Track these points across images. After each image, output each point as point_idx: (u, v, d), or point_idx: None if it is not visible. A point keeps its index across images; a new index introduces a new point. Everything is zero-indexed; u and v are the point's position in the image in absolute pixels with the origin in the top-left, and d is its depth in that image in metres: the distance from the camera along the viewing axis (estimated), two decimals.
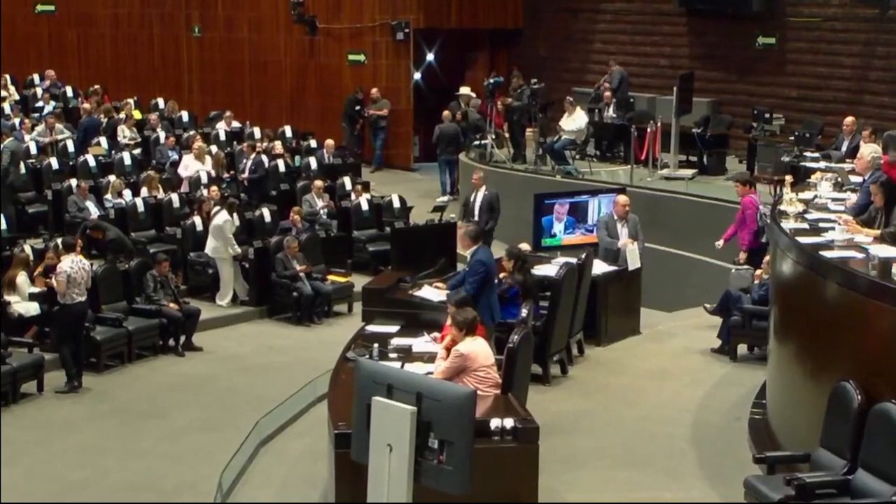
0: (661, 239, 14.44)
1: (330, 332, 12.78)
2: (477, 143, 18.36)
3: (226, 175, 16.77)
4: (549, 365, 9.89)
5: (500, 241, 14.33)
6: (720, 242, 11.98)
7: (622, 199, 11.61)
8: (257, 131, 19.29)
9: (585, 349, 10.76)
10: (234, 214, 13.74)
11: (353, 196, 15.99)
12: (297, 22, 21.59)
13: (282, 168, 17.04)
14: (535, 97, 17.36)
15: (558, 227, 12.28)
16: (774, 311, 8.43)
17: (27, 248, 12.67)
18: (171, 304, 12.04)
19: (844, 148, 13.91)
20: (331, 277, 13.74)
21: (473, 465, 4.50)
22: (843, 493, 6.29)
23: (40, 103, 20.09)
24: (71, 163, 16.64)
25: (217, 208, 13.77)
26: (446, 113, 18.76)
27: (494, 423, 6.63)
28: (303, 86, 22.20)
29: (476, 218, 13.39)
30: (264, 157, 16.69)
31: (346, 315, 13.51)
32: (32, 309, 11.48)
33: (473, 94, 18.88)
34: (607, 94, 18.27)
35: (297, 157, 18.23)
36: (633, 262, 11.36)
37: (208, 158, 16.68)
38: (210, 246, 13.39)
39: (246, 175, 16.63)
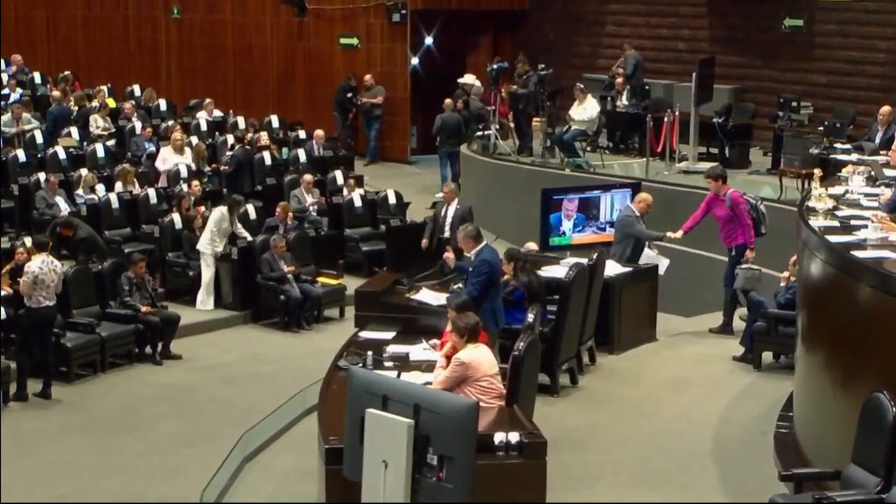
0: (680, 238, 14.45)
1: (320, 338, 12.79)
2: (479, 133, 18.37)
3: (207, 168, 16.78)
4: (558, 374, 9.90)
5: (505, 240, 14.35)
6: (677, 234, 11.80)
7: (644, 195, 11.64)
8: (241, 121, 19.31)
9: (597, 357, 10.77)
10: (233, 214, 13.80)
11: (345, 191, 16.00)
12: (285, 2, 21.62)
13: (268, 161, 17.06)
14: (542, 84, 17.37)
15: (567, 225, 12.30)
16: (802, 316, 8.43)
17: None
18: (148, 309, 12.04)
19: (878, 139, 13.92)
20: (321, 279, 13.75)
21: (475, 482, 4.50)
22: None
23: (6, 91, 20.09)
24: (39, 155, 16.66)
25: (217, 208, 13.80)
26: (448, 101, 18.79)
27: (498, 437, 6.64)
28: (290, 72, 22.21)
29: (447, 234, 13.27)
30: (240, 150, 16.64)
31: (337, 320, 13.52)
32: None
33: (477, 82, 18.88)
34: (620, 80, 18.28)
35: (285, 149, 18.24)
36: (663, 266, 11.41)
37: (188, 151, 16.69)
38: (205, 240, 13.47)
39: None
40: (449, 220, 13.43)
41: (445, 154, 18.78)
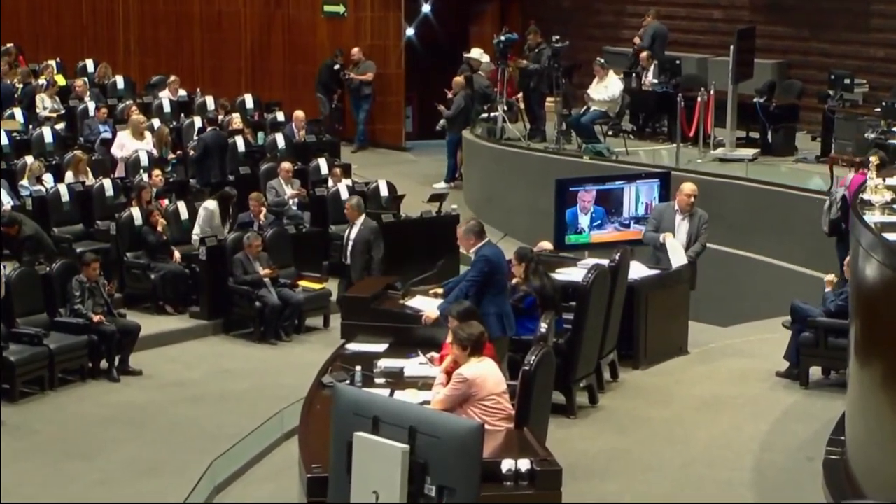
0: (714, 236, 14.39)
1: (301, 351, 12.80)
2: (484, 116, 18.39)
3: (171, 156, 16.80)
4: (575, 392, 9.91)
5: (514, 239, 14.37)
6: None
7: (689, 187, 11.66)
8: (210, 101, 19.34)
9: (620, 373, 10.79)
10: (226, 210, 13.93)
11: (330, 182, 16.02)
12: None
13: (241, 147, 17.07)
14: (556, 58, 17.39)
15: (585, 221, 12.32)
16: (856, 326, 8.45)
17: None
18: (102, 318, 12.06)
19: None
20: (302, 283, 13.76)
21: None
22: None
23: None
24: None
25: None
26: (459, 80, 18.78)
27: (506, 464, 6.65)
28: (267, 44, 22.24)
29: (349, 261, 13.16)
30: (211, 133, 16.64)
31: (321, 330, 13.55)
32: None
33: (486, 58, 18.88)
34: (645, 54, 18.32)
35: (260, 134, 18.26)
36: (677, 259, 11.38)
37: (149, 135, 16.70)
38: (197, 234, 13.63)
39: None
40: (351, 243, 13.24)
41: (455, 141, 18.79)
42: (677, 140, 16.30)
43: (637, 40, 18.60)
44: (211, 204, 14.01)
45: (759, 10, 18.98)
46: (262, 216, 14.44)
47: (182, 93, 19.76)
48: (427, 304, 9.41)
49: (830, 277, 10.81)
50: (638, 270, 11.14)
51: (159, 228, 13.86)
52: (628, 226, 12.42)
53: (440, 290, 9.69)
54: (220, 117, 18.14)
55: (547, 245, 11.88)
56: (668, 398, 10.38)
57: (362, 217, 13.26)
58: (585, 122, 17.04)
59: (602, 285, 10.05)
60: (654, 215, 11.83)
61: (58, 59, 20.94)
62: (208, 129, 16.83)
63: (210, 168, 16.45)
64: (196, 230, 14.01)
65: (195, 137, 17.04)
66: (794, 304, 10.84)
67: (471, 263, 9.40)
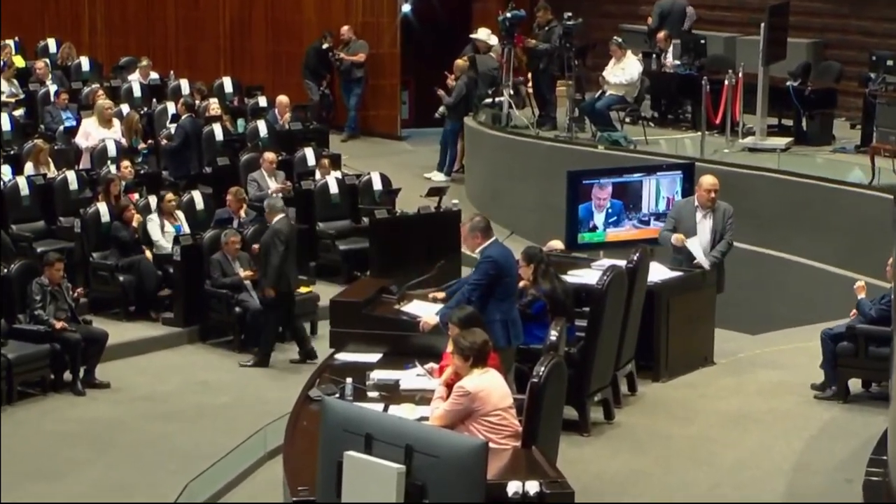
0: (744, 234, 14.40)
1: (286, 362, 12.81)
2: (489, 101, 18.39)
3: (142, 145, 16.80)
4: (589, 407, 9.92)
5: (522, 237, 14.37)
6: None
7: (708, 180, 11.64)
8: (185, 85, 19.34)
9: (638, 386, 10.79)
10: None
11: (317, 174, 16.03)
12: None
13: (219, 135, 17.07)
14: (568, 37, 17.37)
15: (599, 217, 12.32)
16: None
17: None
18: (64, 325, 12.05)
19: None
20: None
21: None
22: None
23: None
24: None
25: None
26: (460, 62, 18.74)
27: (513, 486, 6.65)
28: (248, 22, 22.24)
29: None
30: (188, 119, 16.65)
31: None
32: None
33: (495, 39, 18.86)
34: (660, 34, 18.32)
35: (241, 121, 18.26)
36: (702, 259, 11.39)
37: (117, 123, 16.70)
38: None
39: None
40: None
41: (456, 130, 18.77)
42: (702, 128, 16.32)
43: (649, 20, 18.59)
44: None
45: None
46: (242, 212, 14.45)
47: (154, 76, 19.75)
48: (425, 310, 9.42)
49: (861, 283, 10.82)
50: (658, 272, 11.15)
51: (134, 224, 13.85)
52: (648, 223, 12.41)
53: (440, 295, 9.69)
54: (196, 103, 18.13)
55: (558, 244, 11.90)
56: (691, 414, 10.38)
57: (278, 216, 13.10)
58: (600, 108, 17.04)
59: (619, 289, 10.05)
60: (673, 213, 11.83)
61: (16, 39, 20.91)
62: (184, 115, 16.83)
63: (189, 159, 16.45)
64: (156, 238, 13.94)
65: (168, 125, 17.04)
66: (823, 335, 10.74)
67: (475, 265, 9.38)
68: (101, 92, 17.79)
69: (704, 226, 11.57)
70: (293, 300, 13.05)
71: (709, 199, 11.53)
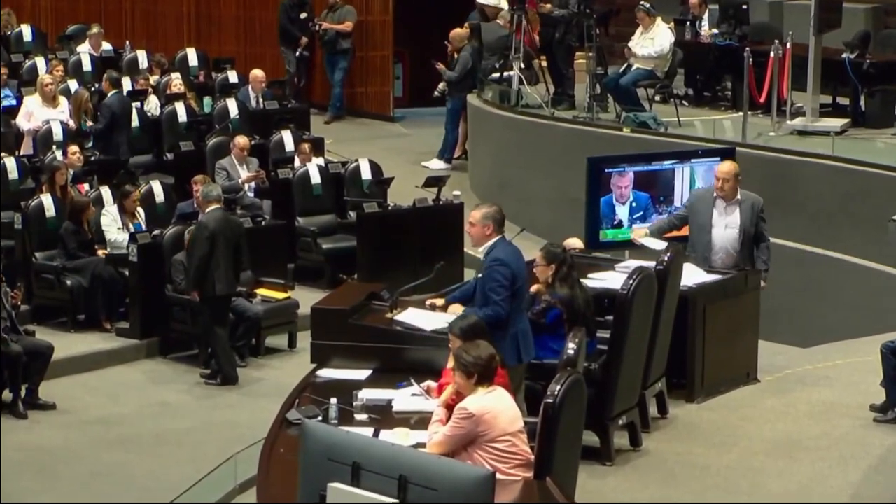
0: (791, 230, 14.47)
1: (260, 379, 12.84)
2: (496, 76, 18.39)
3: (91, 125, 16.80)
4: (613, 432, 9.92)
5: (534, 235, 14.37)
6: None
7: (722, 167, 11.59)
8: (143, 57, 19.32)
9: (670, 407, 10.80)
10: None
11: (296, 161, 16.04)
12: None
13: (182, 116, 17.10)
14: (589, 2, 17.40)
15: (623, 212, 12.31)
16: None
17: None
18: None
19: None
20: (261, 292, 13.79)
21: None
22: None
23: None
24: None
25: None
26: (460, 31, 18.73)
27: None
28: None
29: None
30: (115, 97, 16.60)
31: (285, 352, 13.60)
32: None
33: (505, 4, 18.87)
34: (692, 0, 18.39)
35: (207, 100, 18.27)
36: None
37: (64, 101, 16.72)
38: None
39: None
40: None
41: (458, 109, 18.76)
42: (744, 108, 16.30)
43: None
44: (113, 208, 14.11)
45: None
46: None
47: (107, 47, 19.76)
48: (422, 319, 9.42)
49: None
50: (693, 275, 11.14)
51: (86, 225, 13.84)
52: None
53: (440, 302, 9.68)
54: (155, 78, 18.15)
55: (576, 243, 11.88)
56: (731, 440, 10.38)
57: (210, 208, 13.07)
58: (626, 85, 17.05)
59: (647, 294, 10.06)
60: (688, 202, 11.75)
61: None
62: (111, 93, 16.78)
63: (117, 145, 16.41)
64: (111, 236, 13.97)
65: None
66: (885, 348, 10.74)
67: (481, 268, 9.34)
68: (60, 67, 17.75)
69: (726, 221, 11.48)
70: (224, 307, 12.95)
71: (720, 188, 11.45)
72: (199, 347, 13.24)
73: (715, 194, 11.52)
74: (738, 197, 11.50)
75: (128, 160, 16.18)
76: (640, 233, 11.64)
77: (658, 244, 11.35)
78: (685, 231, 11.81)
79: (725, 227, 11.50)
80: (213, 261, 12.69)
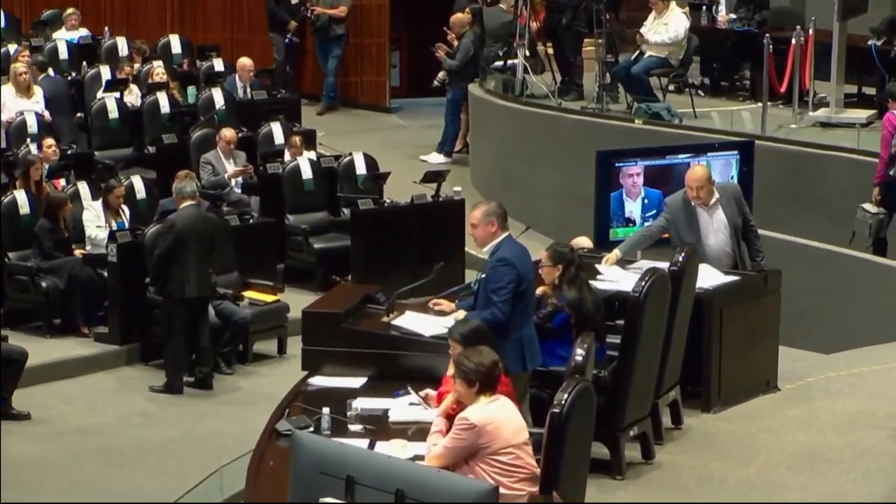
0: (813, 228, 14.46)
1: (248, 387, 12.85)
2: (499, 64, 18.38)
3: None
4: (623, 444, 9.92)
5: (539, 234, 14.38)
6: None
7: (692, 174, 11.34)
8: (122, 44, 19.32)
9: (685, 417, 10.79)
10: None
11: (286, 155, 16.04)
12: None
13: (165, 107, 17.10)
14: None
15: (635, 209, 12.31)
16: None
17: None
18: None
19: None
20: (249, 295, 13.80)
21: None
22: None
23: None
24: None
25: None
26: (461, 16, 18.73)
27: None
28: None
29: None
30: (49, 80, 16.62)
31: (274, 358, 13.62)
32: None
33: None
34: None
35: (191, 89, 18.26)
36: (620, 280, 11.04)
37: (39, 91, 16.72)
38: None
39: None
40: None
41: (459, 100, 18.75)
42: (763, 98, 16.29)
43: None
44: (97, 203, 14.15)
45: None
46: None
47: (84, 32, 19.75)
48: (421, 324, 9.42)
49: None
50: (709, 276, 11.12)
51: (62, 223, 13.84)
52: None
53: (447, 304, 9.64)
54: (135, 66, 18.13)
55: (585, 242, 11.87)
56: (750, 452, 10.35)
57: (184, 204, 13.10)
58: (638, 73, 17.04)
59: (660, 297, 10.04)
60: (668, 211, 11.53)
61: None
62: (41, 76, 16.78)
63: (60, 131, 16.40)
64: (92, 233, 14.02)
65: (100, 95, 17.00)
66: None
67: (485, 268, 9.34)
68: (21, 52, 17.77)
69: (713, 226, 11.39)
70: (195, 310, 12.93)
71: (694, 196, 11.34)
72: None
73: (693, 203, 11.42)
74: (716, 196, 11.42)
75: (72, 150, 16.14)
76: (612, 258, 11.24)
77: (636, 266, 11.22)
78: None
79: (715, 233, 11.44)
80: (181, 261, 12.68)
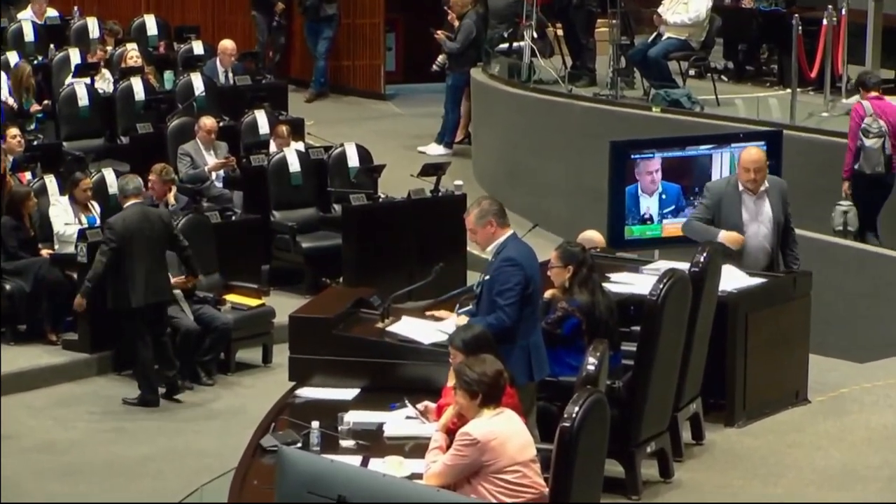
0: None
1: (231, 399, 12.86)
2: (504, 47, 18.38)
3: (35, 107, 16.85)
4: (640, 461, 9.90)
5: (547, 232, 14.36)
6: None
7: (748, 155, 11.41)
8: (93, 25, 19.32)
9: (706, 432, 10.77)
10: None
11: (272, 146, 16.06)
12: None
13: (139, 93, 17.10)
14: None
15: (652, 204, 12.28)
16: None
17: None
18: None
19: None
20: (231, 298, 13.80)
21: None
22: None
23: None
24: None
25: None
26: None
27: None
28: None
29: None
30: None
31: (259, 368, 13.63)
32: None
33: None
34: None
35: (168, 74, 18.28)
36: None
37: (3, 77, 16.71)
38: None
39: None
40: None
41: (460, 86, 18.75)
42: (792, 84, 16.31)
43: None
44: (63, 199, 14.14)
45: None
46: (170, 197, 14.44)
47: (52, 13, 19.76)
48: (419, 331, 9.39)
49: None
50: (733, 278, 11.11)
51: (27, 220, 13.82)
52: None
53: (446, 315, 9.60)
54: (107, 49, 18.12)
55: (595, 237, 11.81)
56: (777, 469, 10.35)
57: (129, 203, 13.03)
58: (655, 57, 17.05)
59: (680, 301, 10.03)
60: (708, 196, 11.54)
61: None
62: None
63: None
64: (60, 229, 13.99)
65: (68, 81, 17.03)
66: None
67: (488, 269, 9.29)
68: None
69: (757, 217, 11.39)
70: (149, 318, 12.86)
71: (749, 180, 11.38)
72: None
73: (741, 188, 11.41)
74: (766, 185, 11.44)
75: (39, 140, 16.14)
76: (737, 240, 11.29)
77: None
78: (676, 232, 11.89)
79: (758, 224, 11.44)
80: (122, 269, 12.60)
